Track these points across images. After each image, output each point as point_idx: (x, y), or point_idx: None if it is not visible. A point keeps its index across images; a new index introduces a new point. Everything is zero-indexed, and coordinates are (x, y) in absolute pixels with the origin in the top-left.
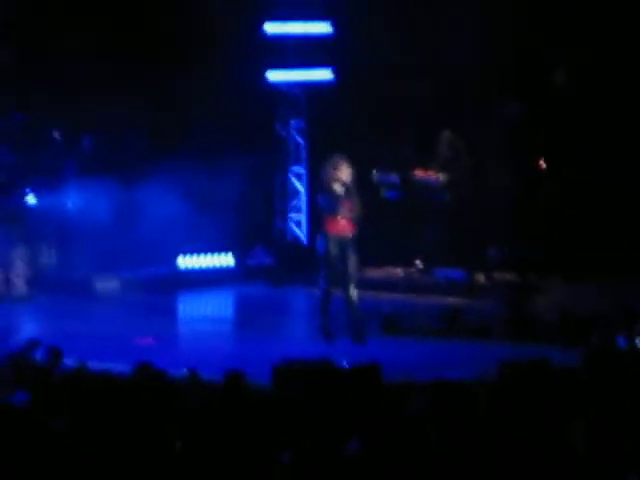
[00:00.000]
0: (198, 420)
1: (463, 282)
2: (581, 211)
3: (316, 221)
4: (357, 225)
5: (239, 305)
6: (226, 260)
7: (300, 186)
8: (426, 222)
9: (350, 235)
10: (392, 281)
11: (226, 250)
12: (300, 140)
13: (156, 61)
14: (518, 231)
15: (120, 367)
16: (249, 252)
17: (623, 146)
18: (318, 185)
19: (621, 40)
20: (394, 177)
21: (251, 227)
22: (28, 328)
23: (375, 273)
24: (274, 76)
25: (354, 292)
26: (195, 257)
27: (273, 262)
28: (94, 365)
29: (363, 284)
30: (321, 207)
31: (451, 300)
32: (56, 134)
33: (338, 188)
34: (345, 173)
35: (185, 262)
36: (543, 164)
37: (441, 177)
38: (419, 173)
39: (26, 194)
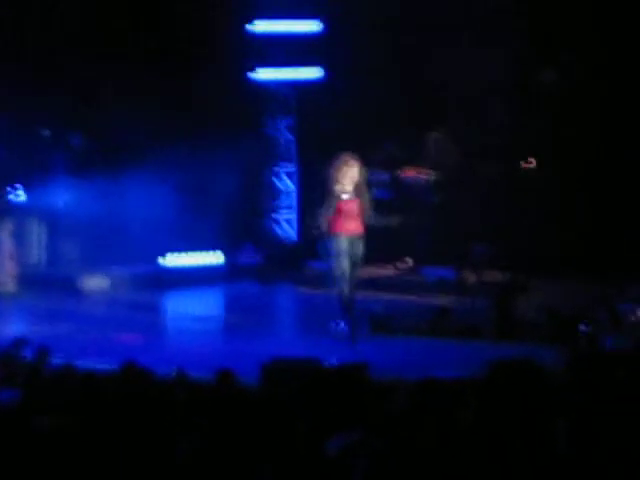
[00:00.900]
0: (187, 418)
1: (452, 281)
2: (567, 209)
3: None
4: (366, 224)
5: (228, 303)
6: (215, 258)
7: (290, 184)
8: (415, 221)
9: (357, 234)
10: (381, 280)
11: (214, 248)
12: (289, 138)
13: (145, 60)
14: (506, 229)
15: (107, 365)
16: (238, 250)
17: (610, 144)
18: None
19: (609, 39)
20: (383, 176)
21: (240, 225)
22: (15, 326)
23: (364, 272)
24: (262, 74)
25: (353, 292)
26: (183, 255)
27: (262, 260)
28: (81, 363)
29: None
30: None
31: (440, 299)
32: (45, 131)
33: (338, 189)
34: (347, 173)
35: (173, 260)
36: (531, 162)
37: (430, 176)
38: (408, 172)
39: (15, 191)
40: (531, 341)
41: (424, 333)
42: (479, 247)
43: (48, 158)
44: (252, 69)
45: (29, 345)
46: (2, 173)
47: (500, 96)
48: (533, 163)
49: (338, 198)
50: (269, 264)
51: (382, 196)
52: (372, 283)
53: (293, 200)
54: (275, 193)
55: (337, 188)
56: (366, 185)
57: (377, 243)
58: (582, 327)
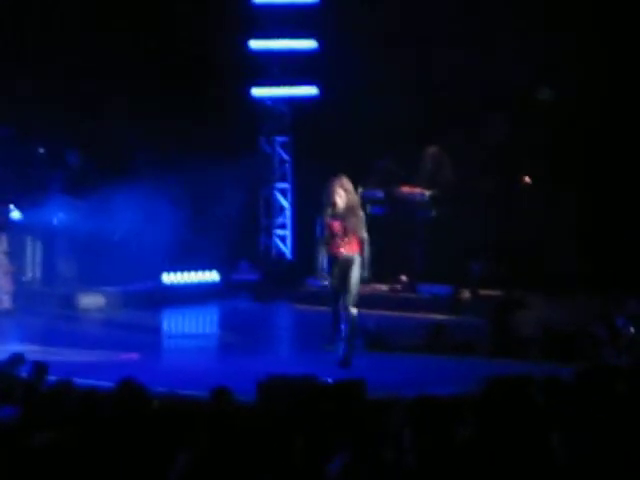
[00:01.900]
0: (184, 436)
1: (448, 298)
2: (564, 226)
3: (301, 236)
4: (361, 244)
5: (224, 321)
6: (211, 276)
7: (285, 202)
8: (411, 238)
9: (349, 255)
10: (377, 297)
11: (211, 266)
12: (285, 156)
13: (144, 77)
14: (502, 246)
15: (104, 383)
16: (234, 268)
17: (610, 159)
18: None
19: (608, 57)
20: (379, 193)
21: (236, 243)
22: (11, 343)
23: (360, 289)
24: (259, 92)
25: (353, 311)
26: (180, 273)
27: (258, 278)
28: (78, 381)
29: None
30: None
31: (436, 316)
32: (41, 149)
33: (329, 211)
34: (338, 196)
35: (170, 278)
36: (528, 180)
37: (426, 193)
38: (405, 189)
39: (11, 209)
40: (528, 357)
41: (420, 350)
42: (476, 265)
43: (45, 175)
44: (250, 86)
45: (25, 362)
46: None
47: (499, 111)
48: (529, 181)
49: (331, 219)
50: (266, 281)
51: (377, 213)
52: (367, 300)
53: (288, 218)
54: (272, 211)
55: (330, 210)
56: (359, 207)
57: (373, 260)
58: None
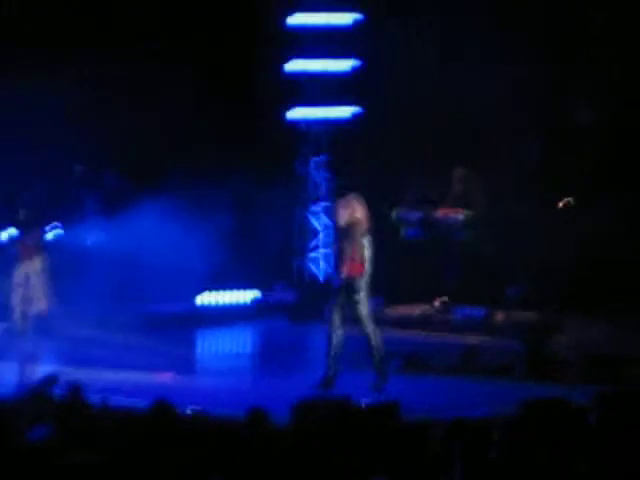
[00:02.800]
0: (218, 457)
1: (482, 320)
2: (602, 249)
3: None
4: (362, 265)
5: (258, 342)
6: (246, 297)
7: (318, 225)
8: (446, 260)
9: (351, 276)
10: (412, 319)
11: (246, 287)
12: (320, 178)
13: (181, 100)
14: (538, 269)
15: (139, 403)
16: (271, 289)
17: None
18: None
19: None
20: (414, 215)
21: (273, 264)
22: (46, 364)
23: (395, 311)
24: (294, 114)
25: (369, 330)
26: (217, 293)
27: (293, 299)
28: (114, 401)
29: (383, 322)
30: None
31: (470, 338)
32: (77, 168)
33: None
34: (339, 216)
35: (207, 298)
36: (566, 202)
37: (461, 215)
38: (442, 211)
39: (46, 231)
40: (564, 382)
41: (455, 372)
42: (512, 289)
43: (81, 195)
44: (287, 108)
45: (60, 382)
46: (33, 212)
47: (535, 134)
48: (570, 202)
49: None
50: (302, 302)
51: (412, 235)
52: (402, 321)
53: (328, 237)
54: (309, 232)
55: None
56: (360, 225)
57: (408, 282)
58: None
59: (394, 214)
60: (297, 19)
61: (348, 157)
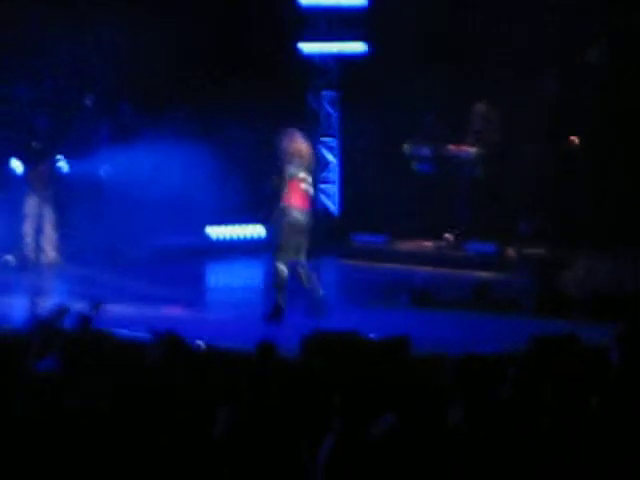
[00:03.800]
0: (226, 390)
1: (493, 256)
2: (613, 186)
3: (347, 192)
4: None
5: (268, 276)
6: (256, 230)
7: (331, 157)
8: (457, 196)
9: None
10: (423, 254)
11: (257, 220)
12: (331, 111)
13: (191, 27)
14: (550, 205)
15: (146, 335)
16: None
17: None
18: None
19: None
20: (426, 150)
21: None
22: (56, 295)
23: (406, 246)
24: (307, 47)
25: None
26: (225, 227)
27: None
28: (121, 333)
29: (394, 257)
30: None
31: (481, 274)
32: (88, 100)
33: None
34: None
35: (215, 232)
36: (575, 140)
37: (473, 151)
38: (452, 147)
39: (58, 161)
40: (573, 318)
41: (464, 307)
42: (524, 224)
43: (91, 128)
44: (298, 41)
45: (69, 314)
46: (47, 143)
47: (551, 70)
48: (576, 141)
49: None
50: (312, 237)
51: (424, 170)
52: (413, 256)
53: (335, 173)
54: (320, 165)
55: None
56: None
57: (419, 216)
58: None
59: (406, 149)
60: None
61: (360, 92)
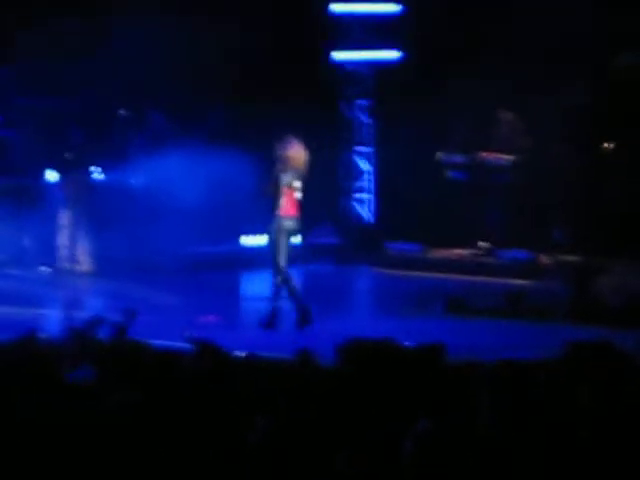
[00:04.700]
0: (263, 399)
1: (527, 263)
2: None
3: (382, 200)
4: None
5: (304, 284)
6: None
7: (364, 165)
8: (491, 203)
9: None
10: (456, 262)
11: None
12: (365, 119)
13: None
14: (584, 212)
15: (183, 345)
16: (315, 231)
17: None
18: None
19: None
20: (459, 157)
21: (318, 206)
22: (93, 304)
23: (439, 254)
24: (341, 56)
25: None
26: (260, 236)
27: (338, 241)
28: (157, 343)
29: (428, 265)
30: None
31: (515, 281)
32: (122, 111)
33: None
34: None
35: (250, 241)
36: (608, 146)
37: (507, 158)
38: (486, 154)
39: (92, 172)
40: (608, 325)
41: (499, 314)
42: (557, 232)
43: (126, 138)
44: (332, 50)
45: (105, 324)
46: (81, 154)
47: (579, 78)
48: (609, 147)
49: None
50: (346, 245)
51: (457, 177)
52: (448, 264)
53: (370, 182)
54: (351, 174)
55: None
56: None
57: (453, 225)
58: None
59: (439, 157)
60: None
61: (394, 100)
